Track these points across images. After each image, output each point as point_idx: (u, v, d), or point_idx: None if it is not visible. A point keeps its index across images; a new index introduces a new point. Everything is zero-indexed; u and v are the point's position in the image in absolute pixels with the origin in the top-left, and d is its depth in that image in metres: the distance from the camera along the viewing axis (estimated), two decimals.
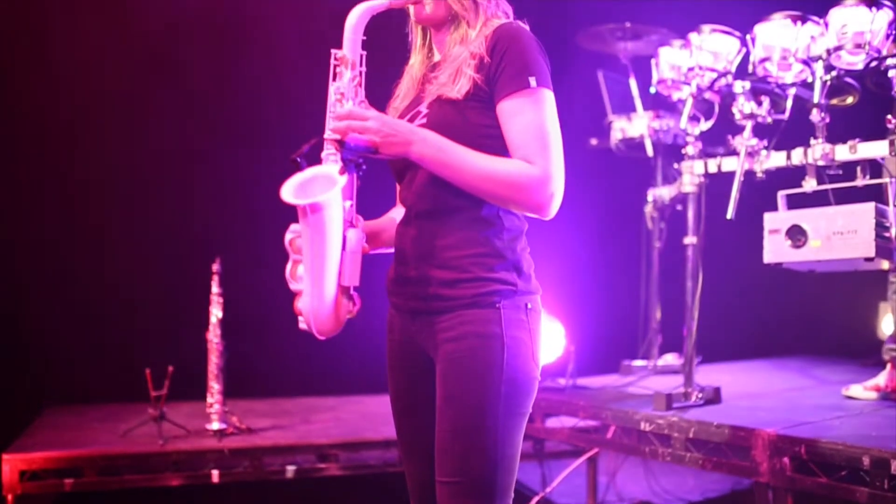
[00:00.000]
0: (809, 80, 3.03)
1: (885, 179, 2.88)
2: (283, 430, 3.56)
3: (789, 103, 3.12)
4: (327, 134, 1.65)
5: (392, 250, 1.82)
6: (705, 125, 3.42)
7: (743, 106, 3.14)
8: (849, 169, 2.95)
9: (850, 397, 3.35)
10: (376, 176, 1.78)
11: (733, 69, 3.30)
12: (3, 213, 4.15)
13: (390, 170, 1.82)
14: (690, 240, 3.33)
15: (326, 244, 1.61)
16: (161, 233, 4.40)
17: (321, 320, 1.65)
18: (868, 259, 2.77)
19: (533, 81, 1.62)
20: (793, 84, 3.08)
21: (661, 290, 4.32)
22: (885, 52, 2.87)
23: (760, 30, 3.05)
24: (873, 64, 2.87)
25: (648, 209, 4.26)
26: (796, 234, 2.91)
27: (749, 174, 3.12)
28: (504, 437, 1.64)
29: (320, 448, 3.37)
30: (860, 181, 2.90)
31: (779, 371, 4.38)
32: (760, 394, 3.60)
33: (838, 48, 2.89)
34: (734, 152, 3.15)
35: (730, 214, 2.97)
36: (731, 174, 3.09)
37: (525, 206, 1.64)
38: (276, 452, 3.32)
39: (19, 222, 4.18)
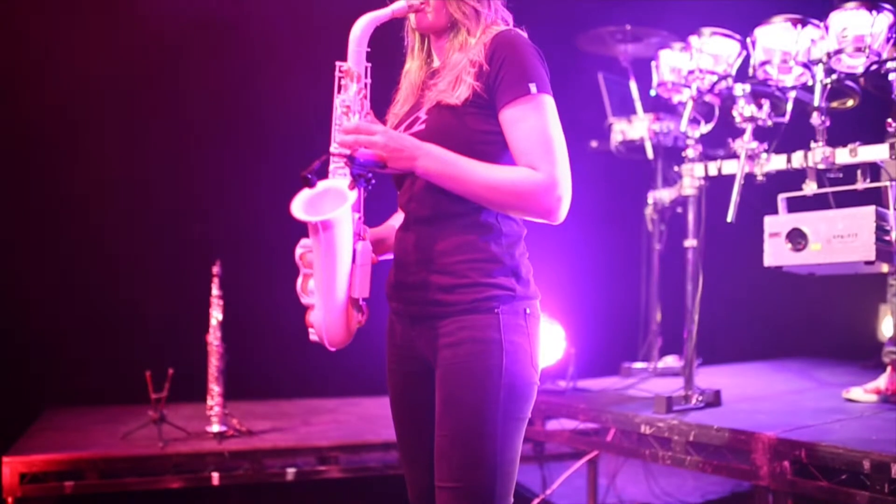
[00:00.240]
0: (810, 83, 3.02)
1: (886, 183, 2.88)
2: (283, 433, 3.56)
3: (789, 106, 3.12)
4: (335, 148, 1.65)
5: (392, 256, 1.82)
6: (705, 128, 3.41)
7: (743, 109, 3.14)
8: (849, 172, 2.94)
9: (850, 400, 3.35)
10: (375, 181, 1.78)
11: (734, 72, 3.30)
12: (4, 215, 4.15)
13: (390, 176, 1.82)
14: (690, 242, 3.32)
15: (337, 259, 1.61)
16: (161, 235, 4.40)
17: (333, 333, 1.65)
18: (868, 262, 2.76)
19: (533, 88, 1.62)
20: (793, 87, 3.07)
21: (661, 292, 4.32)
22: (885, 56, 2.86)
23: (761, 33, 3.05)
24: (873, 67, 2.87)
25: (649, 211, 4.27)
26: (796, 238, 2.91)
27: (749, 177, 3.12)
28: (503, 442, 1.64)
29: (320, 450, 3.37)
30: (860, 184, 2.90)
31: (779, 373, 4.38)
32: (761, 396, 3.60)
33: (839, 51, 2.89)
34: (734, 155, 3.15)
35: (730, 217, 2.97)
36: (732, 177, 3.09)
37: (534, 213, 1.64)
38: (277, 455, 3.32)
39: (20, 224, 4.19)
